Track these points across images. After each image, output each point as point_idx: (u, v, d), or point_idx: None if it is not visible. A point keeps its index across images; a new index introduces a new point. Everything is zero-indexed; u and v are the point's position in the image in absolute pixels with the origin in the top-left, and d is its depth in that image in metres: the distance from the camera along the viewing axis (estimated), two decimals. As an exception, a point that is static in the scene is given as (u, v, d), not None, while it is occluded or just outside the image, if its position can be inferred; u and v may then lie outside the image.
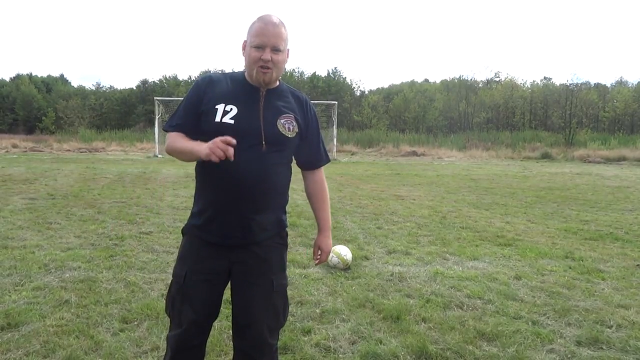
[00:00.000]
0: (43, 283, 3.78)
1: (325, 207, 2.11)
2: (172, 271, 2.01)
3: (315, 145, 2.03)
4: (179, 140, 1.85)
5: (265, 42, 1.80)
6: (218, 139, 1.67)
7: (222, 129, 1.80)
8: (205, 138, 1.77)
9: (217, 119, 1.82)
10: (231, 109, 1.84)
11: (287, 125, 1.87)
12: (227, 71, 2.06)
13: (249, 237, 1.86)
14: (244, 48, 1.89)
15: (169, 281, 4.03)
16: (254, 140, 1.82)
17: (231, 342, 2.82)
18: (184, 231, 1.98)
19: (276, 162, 1.86)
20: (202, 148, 1.69)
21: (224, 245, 1.86)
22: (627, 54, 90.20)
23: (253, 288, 1.88)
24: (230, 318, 1.96)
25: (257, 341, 1.89)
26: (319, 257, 2.12)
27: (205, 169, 1.86)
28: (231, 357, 2.67)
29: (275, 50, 1.81)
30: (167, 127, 1.93)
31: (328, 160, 2.10)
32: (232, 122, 1.82)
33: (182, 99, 1.97)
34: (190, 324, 1.89)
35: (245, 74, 1.91)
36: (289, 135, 1.87)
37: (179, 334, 1.92)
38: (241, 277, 1.89)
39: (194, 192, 1.93)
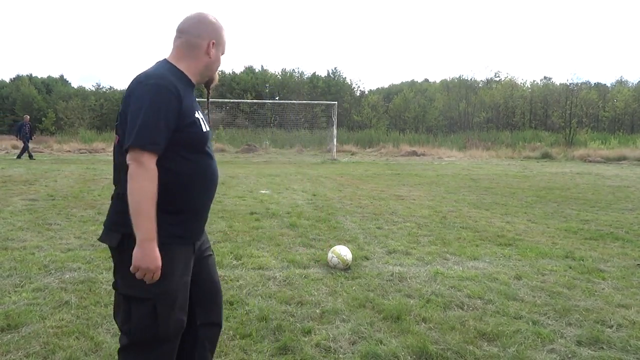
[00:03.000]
0: (43, 284, 3.78)
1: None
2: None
3: None
4: (152, 201, 1.64)
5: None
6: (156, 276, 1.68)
7: (206, 138, 1.83)
8: (190, 149, 1.77)
9: (204, 128, 1.82)
10: (200, 115, 1.83)
11: None
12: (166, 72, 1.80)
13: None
14: (209, 47, 1.81)
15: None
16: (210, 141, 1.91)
17: (231, 342, 2.82)
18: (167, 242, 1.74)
19: None
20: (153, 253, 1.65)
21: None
22: (627, 53, 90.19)
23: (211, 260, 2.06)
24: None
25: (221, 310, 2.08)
26: None
27: (194, 173, 1.80)
28: (231, 357, 2.67)
29: None
30: (150, 145, 1.63)
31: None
32: (207, 128, 1.85)
33: (149, 108, 1.64)
34: (180, 331, 1.85)
35: (191, 72, 1.83)
36: None
37: (172, 349, 1.84)
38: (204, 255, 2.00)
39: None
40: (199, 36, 1.80)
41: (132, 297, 1.78)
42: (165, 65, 1.78)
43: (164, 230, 1.70)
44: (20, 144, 19.97)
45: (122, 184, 1.71)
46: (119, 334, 1.83)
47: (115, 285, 1.87)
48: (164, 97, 1.66)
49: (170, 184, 1.72)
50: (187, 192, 1.78)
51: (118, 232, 1.75)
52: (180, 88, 1.73)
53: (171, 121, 1.68)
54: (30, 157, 19.16)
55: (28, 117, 21.11)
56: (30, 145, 19.99)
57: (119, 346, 1.87)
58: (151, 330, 1.76)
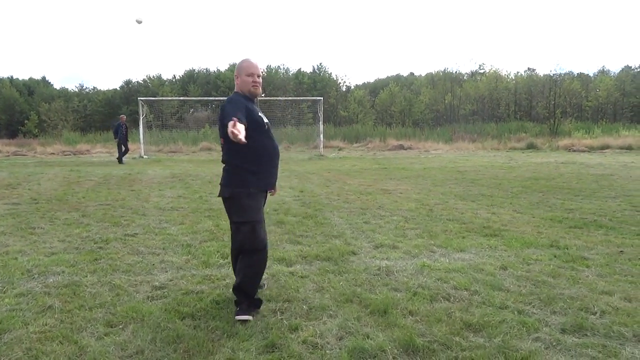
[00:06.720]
0: (26, 289, 3.72)
1: None
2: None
3: None
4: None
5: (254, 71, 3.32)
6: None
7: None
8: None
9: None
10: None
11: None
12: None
13: None
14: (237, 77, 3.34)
15: (155, 283, 3.99)
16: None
17: (219, 341, 2.81)
18: None
19: None
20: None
21: None
22: (609, 43, 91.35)
23: None
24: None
25: None
26: None
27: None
28: (219, 356, 2.66)
29: (259, 75, 3.35)
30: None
31: None
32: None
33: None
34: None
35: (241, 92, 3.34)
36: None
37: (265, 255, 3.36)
38: None
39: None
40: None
41: (239, 222, 3.23)
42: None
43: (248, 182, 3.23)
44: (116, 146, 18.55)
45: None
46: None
47: (231, 220, 3.32)
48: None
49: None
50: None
51: (229, 187, 3.23)
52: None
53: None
54: (120, 160, 18.06)
55: (124, 117, 19.63)
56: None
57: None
58: (252, 241, 3.22)
